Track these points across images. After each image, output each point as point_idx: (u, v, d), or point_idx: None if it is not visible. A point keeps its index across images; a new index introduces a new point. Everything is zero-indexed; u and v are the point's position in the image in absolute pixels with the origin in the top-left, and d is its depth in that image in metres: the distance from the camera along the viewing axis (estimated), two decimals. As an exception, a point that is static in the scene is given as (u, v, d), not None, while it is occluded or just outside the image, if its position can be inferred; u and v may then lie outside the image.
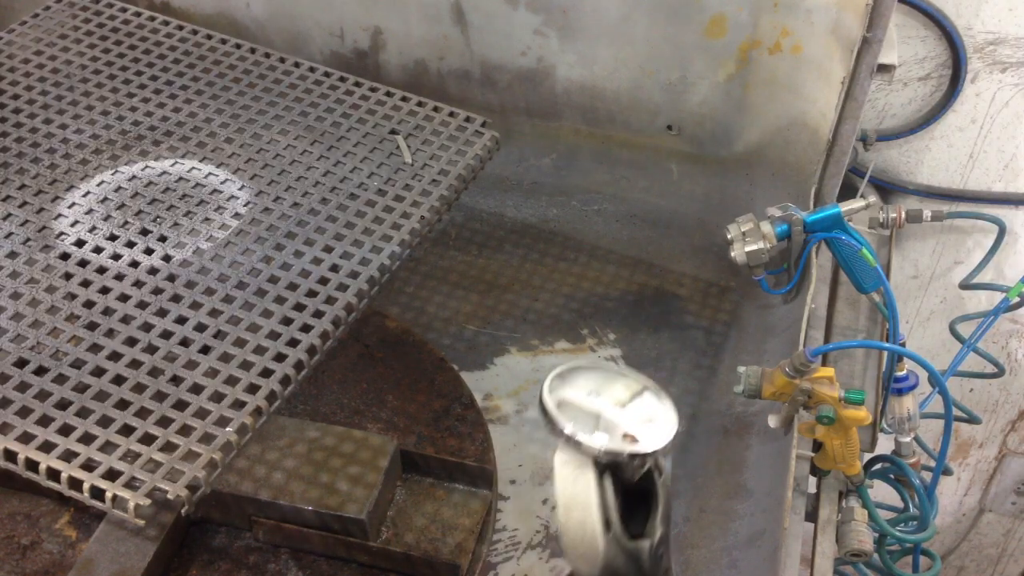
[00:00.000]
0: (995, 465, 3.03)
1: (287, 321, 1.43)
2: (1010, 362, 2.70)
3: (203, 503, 1.31)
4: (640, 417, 1.06)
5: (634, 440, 1.03)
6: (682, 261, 2.25)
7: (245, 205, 1.60)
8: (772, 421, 1.67)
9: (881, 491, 1.93)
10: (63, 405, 1.32)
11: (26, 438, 1.29)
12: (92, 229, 1.54)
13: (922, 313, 2.67)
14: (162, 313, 1.43)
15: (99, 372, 1.36)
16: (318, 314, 1.44)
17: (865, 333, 2.08)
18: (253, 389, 1.34)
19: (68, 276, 1.47)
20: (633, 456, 1.03)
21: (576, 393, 1.08)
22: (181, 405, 1.32)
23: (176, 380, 1.35)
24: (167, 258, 1.50)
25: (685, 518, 1.76)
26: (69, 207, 1.58)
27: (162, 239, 1.53)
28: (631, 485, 1.07)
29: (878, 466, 1.92)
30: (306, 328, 1.42)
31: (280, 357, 1.38)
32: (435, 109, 1.80)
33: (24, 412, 1.32)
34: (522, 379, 2.00)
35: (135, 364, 1.37)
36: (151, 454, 1.27)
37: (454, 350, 2.05)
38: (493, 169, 2.21)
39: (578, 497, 1.04)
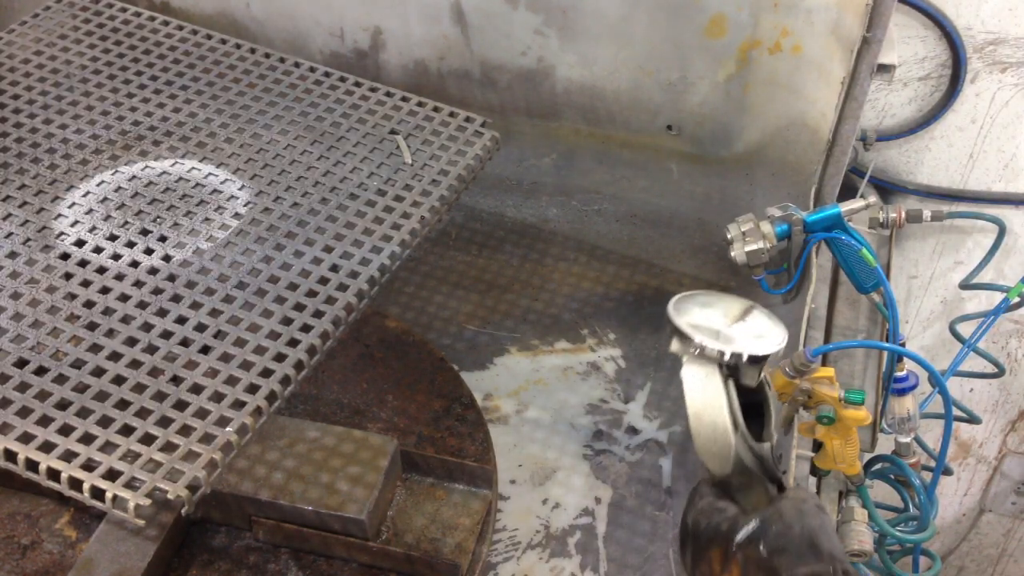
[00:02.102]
0: (995, 465, 3.03)
1: (287, 321, 1.43)
2: (1010, 362, 2.70)
3: (203, 503, 1.31)
4: (752, 330, 1.22)
5: (751, 345, 1.18)
6: (682, 261, 2.26)
7: (245, 205, 1.60)
8: (772, 421, 1.67)
9: (881, 491, 1.93)
10: (63, 405, 1.32)
11: (26, 438, 1.29)
12: (92, 229, 1.54)
13: (922, 313, 2.67)
14: (162, 313, 1.43)
15: (99, 372, 1.36)
16: (318, 314, 1.44)
17: (865, 333, 2.08)
18: (253, 389, 1.34)
19: (68, 276, 1.47)
20: (753, 359, 1.17)
21: (694, 315, 1.22)
22: (181, 405, 1.32)
23: (176, 380, 1.35)
24: (167, 258, 1.50)
25: (685, 518, 1.76)
26: (69, 207, 1.58)
27: (162, 239, 1.54)
28: (747, 395, 1.20)
29: (878, 466, 1.92)
30: (306, 328, 1.42)
31: (280, 357, 1.38)
32: (435, 109, 1.80)
33: (24, 412, 1.32)
34: (522, 379, 2.00)
35: (135, 364, 1.37)
36: (151, 454, 1.27)
37: (454, 350, 2.05)
38: (493, 169, 2.21)
39: (708, 401, 1.18)
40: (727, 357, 1.17)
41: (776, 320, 1.25)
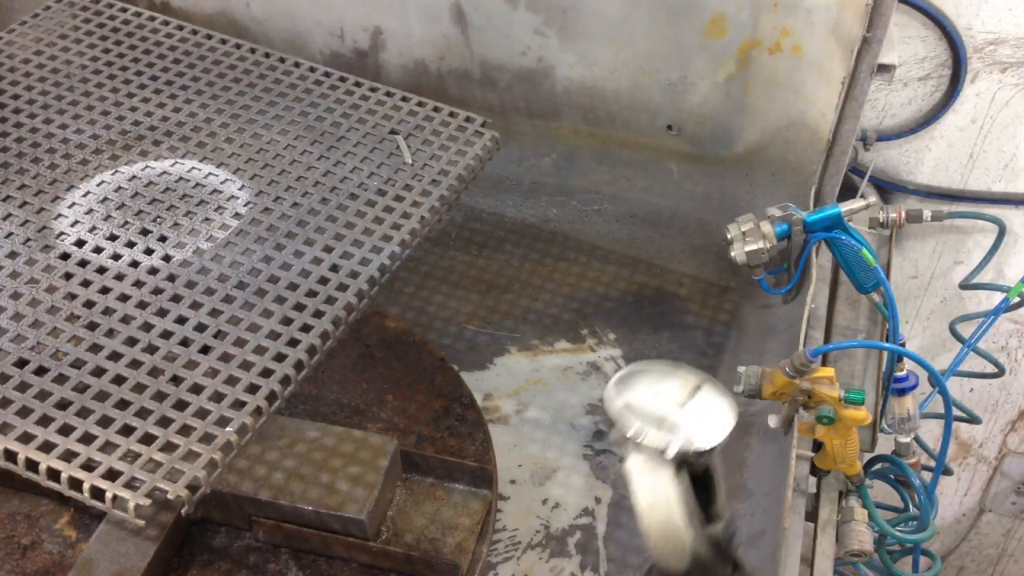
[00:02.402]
0: (995, 465, 3.03)
1: (287, 321, 1.43)
2: (1010, 362, 2.70)
3: (203, 503, 1.31)
4: (700, 413, 1.14)
5: (697, 436, 1.11)
6: (682, 261, 2.26)
7: (245, 205, 1.60)
8: (772, 421, 1.67)
9: (881, 491, 1.93)
10: (63, 405, 1.32)
11: (26, 438, 1.29)
12: (92, 229, 1.54)
13: (922, 313, 2.67)
14: (162, 313, 1.43)
15: (99, 372, 1.36)
16: (318, 314, 1.44)
17: (865, 333, 2.08)
18: (253, 389, 1.34)
19: (68, 276, 1.47)
20: (699, 452, 1.11)
21: (637, 397, 1.14)
22: (181, 405, 1.32)
23: (176, 380, 1.35)
24: (167, 258, 1.50)
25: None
26: (69, 207, 1.58)
27: (162, 239, 1.54)
28: (694, 474, 1.13)
29: (878, 466, 1.92)
30: (306, 328, 1.42)
31: (280, 357, 1.38)
32: (435, 109, 1.80)
33: (24, 412, 1.32)
34: (522, 379, 2.00)
35: (135, 364, 1.37)
36: (151, 454, 1.27)
37: (454, 350, 2.05)
38: (493, 169, 2.21)
39: (658, 497, 1.11)
40: (671, 453, 1.09)
41: (725, 394, 1.16)
